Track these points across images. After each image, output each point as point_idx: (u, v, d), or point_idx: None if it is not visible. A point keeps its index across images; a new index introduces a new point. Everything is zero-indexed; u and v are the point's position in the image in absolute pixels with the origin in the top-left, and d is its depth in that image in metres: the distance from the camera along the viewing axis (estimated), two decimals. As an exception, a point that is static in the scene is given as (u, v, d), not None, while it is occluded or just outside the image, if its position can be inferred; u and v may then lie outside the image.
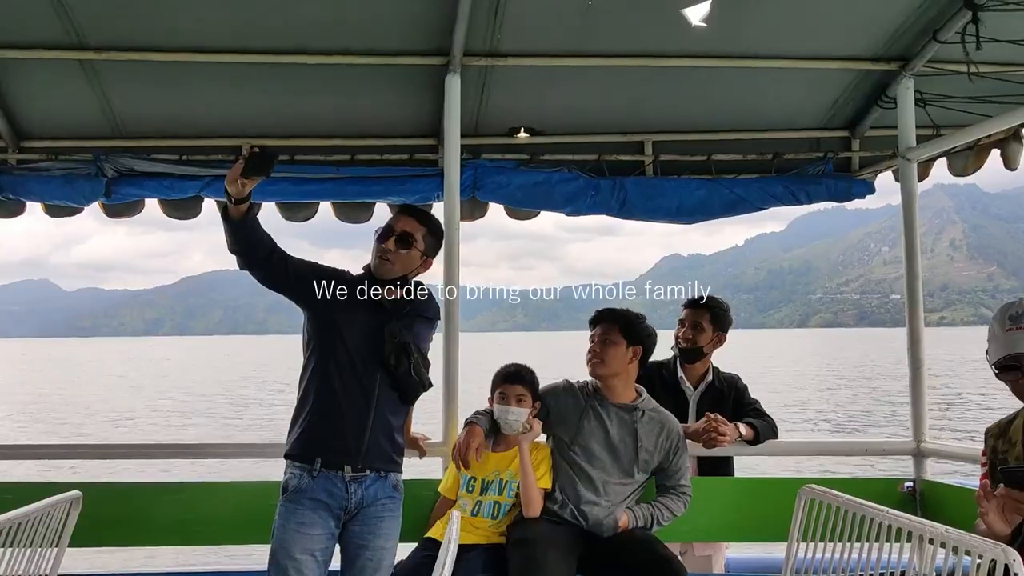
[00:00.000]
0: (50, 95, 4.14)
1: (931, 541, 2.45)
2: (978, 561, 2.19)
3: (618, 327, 3.36)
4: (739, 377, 3.99)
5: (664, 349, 4.06)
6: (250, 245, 2.90)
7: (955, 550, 2.32)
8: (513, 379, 3.35)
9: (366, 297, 3.04)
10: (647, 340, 3.41)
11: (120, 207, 4.33)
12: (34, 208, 4.39)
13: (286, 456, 3.00)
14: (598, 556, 3.16)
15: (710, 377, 3.93)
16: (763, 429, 3.71)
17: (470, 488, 3.32)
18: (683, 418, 3.83)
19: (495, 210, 4.55)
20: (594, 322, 3.44)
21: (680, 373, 3.93)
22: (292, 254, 3.03)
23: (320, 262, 3.15)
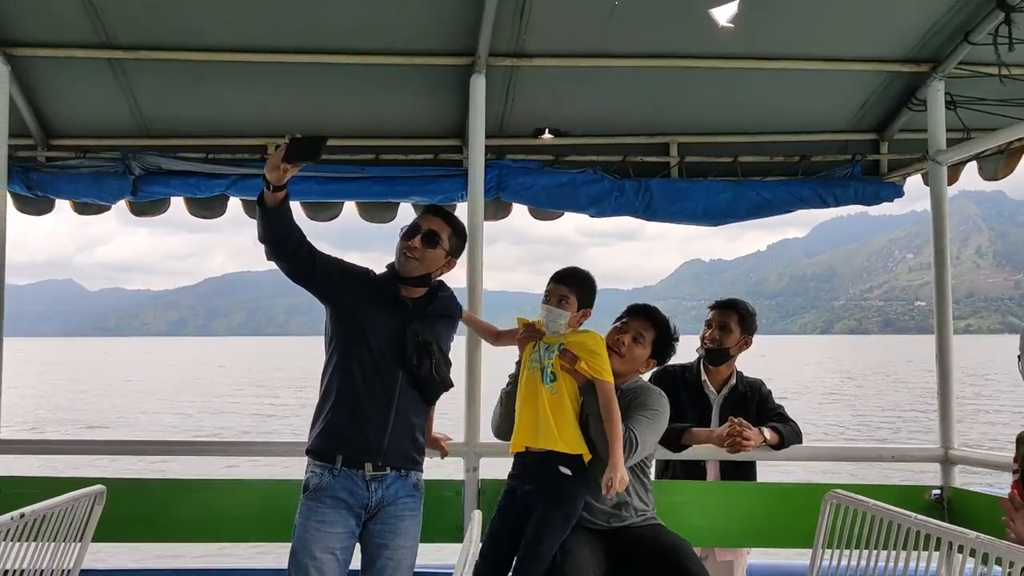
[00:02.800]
0: (79, 94, 4.19)
1: (960, 549, 2.40)
2: (1009, 570, 2.14)
3: (654, 334, 3.26)
4: (763, 382, 3.94)
5: (688, 353, 4.03)
6: (281, 235, 2.90)
7: (985, 558, 2.27)
8: (557, 279, 3.14)
9: (389, 295, 3.04)
10: (663, 360, 3.34)
11: (146, 205, 4.37)
12: (58, 208, 4.44)
13: (307, 452, 3.00)
14: (618, 549, 3.11)
15: (733, 381, 3.88)
16: (787, 434, 3.67)
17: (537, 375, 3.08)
18: (706, 422, 3.80)
19: (517, 212, 4.55)
20: (630, 313, 3.31)
21: (703, 376, 3.90)
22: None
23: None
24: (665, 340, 3.28)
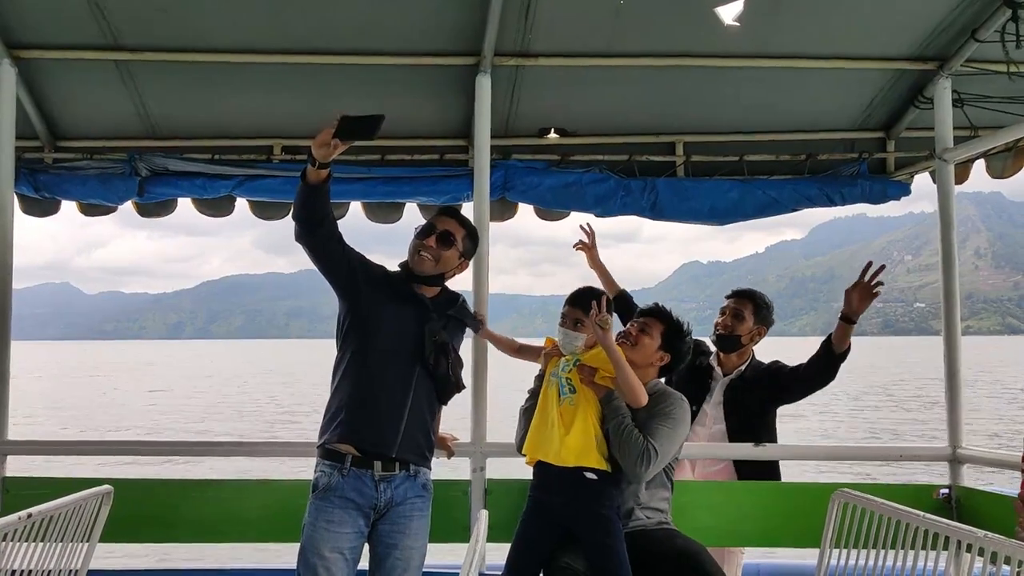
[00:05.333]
0: (86, 95, 4.19)
1: (968, 548, 2.39)
2: (1018, 569, 2.13)
3: (662, 327, 3.25)
4: (778, 361, 3.87)
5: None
6: (319, 215, 2.89)
7: (993, 557, 2.26)
8: (573, 302, 3.15)
9: (406, 293, 3.06)
10: (677, 354, 3.29)
11: (153, 206, 4.37)
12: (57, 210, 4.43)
13: (319, 447, 2.99)
14: (632, 553, 3.09)
15: (743, 368, 3.83)
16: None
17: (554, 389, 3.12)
18: (699, 399, 3.80)
19: (523, 212, 4.55)
20: (639, 313, 3.34)
21: (714, 360, 3.86)
22: None
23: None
24: (674, 333, 3.26)
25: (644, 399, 3.01)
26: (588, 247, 4.19)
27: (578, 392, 3.06)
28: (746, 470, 3.83)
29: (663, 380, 3.35)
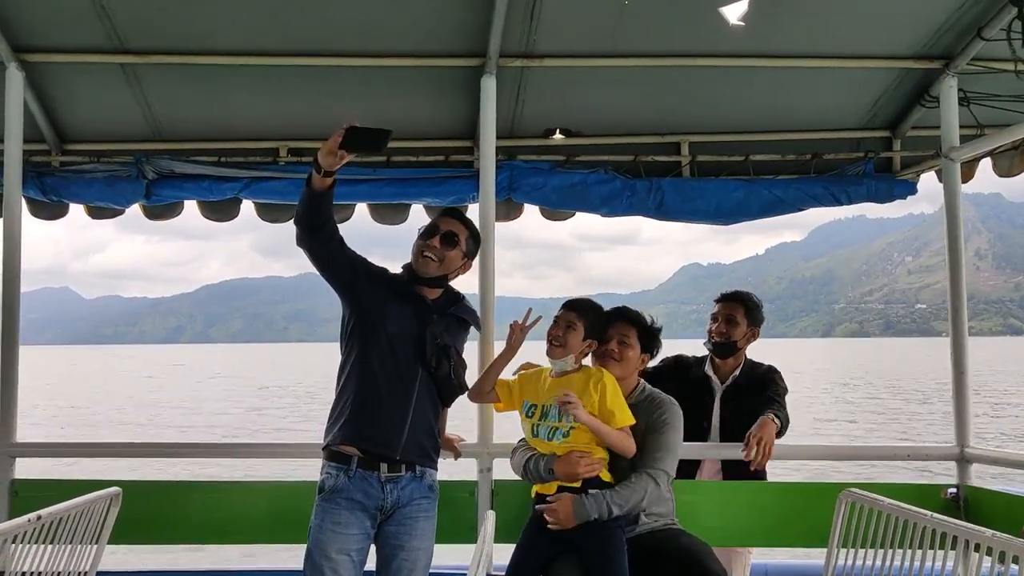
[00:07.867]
0: (92, 98, 4.20)
1: (976, 547, 2.38)
2: (1027, 569, 2.13)
3: (636, 331, 3.26)
4: (772, 368, 3.87)
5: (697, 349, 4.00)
6: (320, 220, 2.90)
7: (1002, 556, 2.25)
8: (567, 306, 3.17)
9: (409, 294, 3.07)
10: (655, 350, 3.33)
11: (160, 209, 4.38)
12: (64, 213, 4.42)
13: (324, 449, 3.00)
14: (638, 554, 3.10)
15: (738, 372, 3.83)
16: (784, 420, 3.56)
17: (530, 413, 3.14)
18: (708, 413, 3.79)
19: (528, 213, 4.55)
20: (610, 320, 3.30)
21: (709, 369, 3.87)
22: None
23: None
24: (647, 333, 3.29)
25: (634, 450, 3.05)
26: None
27: (575, 429, 3.04)
28: (735, 476, 3.81)
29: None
